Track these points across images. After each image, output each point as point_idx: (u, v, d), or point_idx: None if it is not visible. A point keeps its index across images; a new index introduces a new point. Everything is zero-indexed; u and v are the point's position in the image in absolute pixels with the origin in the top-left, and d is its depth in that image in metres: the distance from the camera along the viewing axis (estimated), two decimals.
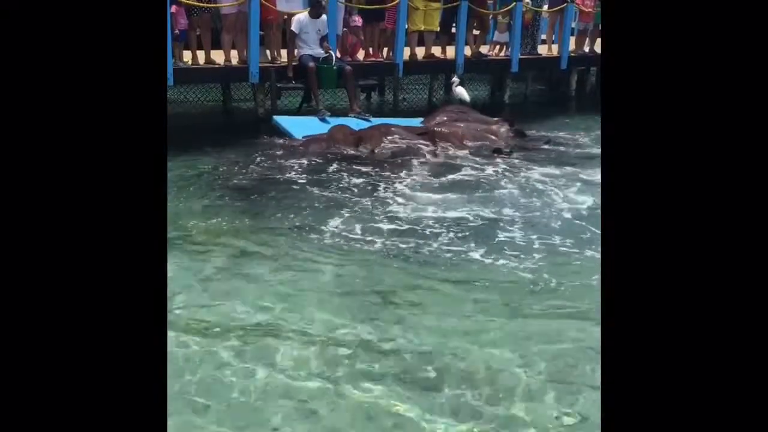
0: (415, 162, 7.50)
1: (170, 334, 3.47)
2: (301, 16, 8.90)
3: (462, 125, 8.71)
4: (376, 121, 8.85)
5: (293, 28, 8.86)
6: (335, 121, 8.68)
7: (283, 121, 8.76)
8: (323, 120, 8.71)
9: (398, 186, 6.60)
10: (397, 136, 8.06)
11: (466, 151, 7.96)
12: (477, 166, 7.50)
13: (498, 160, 7.65)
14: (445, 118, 9.04)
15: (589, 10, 12.26)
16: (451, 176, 7.06)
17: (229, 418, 2.95)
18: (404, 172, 7.11)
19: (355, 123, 8.61)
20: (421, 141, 8.06)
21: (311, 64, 8.90)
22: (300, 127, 8.50)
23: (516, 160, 7.70)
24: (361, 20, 9.60)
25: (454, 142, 8.22)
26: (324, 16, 8.99)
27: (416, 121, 9.12)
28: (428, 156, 7.71)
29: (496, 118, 9.19)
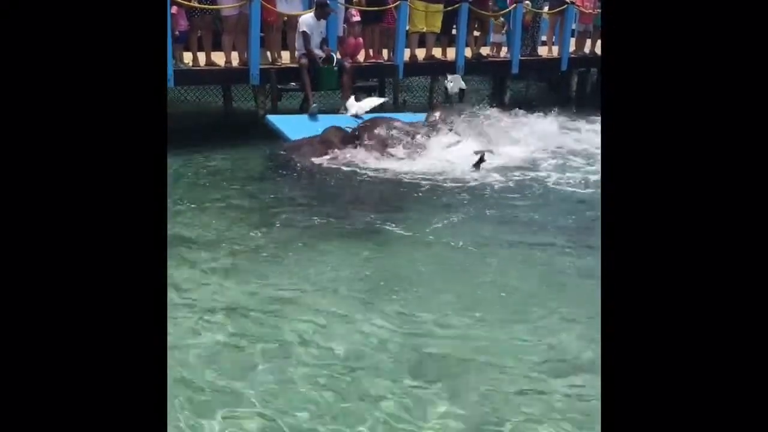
0: (402, 156, 7.55)
1: (170, 333, 3.48)
2: (308, 18, 8.88)
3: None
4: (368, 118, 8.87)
5: (305, 28, 8.82)
6: (326, 117, 8.68)
7: (275, 120, 8.73)
8: (313, 117, 8.68)
9: (390, 188, 6.64)
10: (385, 129, 8.04)
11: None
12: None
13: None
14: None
15: (589, 11, 12.26)
16: (442, 172, 7.08)
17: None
18: (393, 170, 7.16)
19: (346, 120, 8.62)
20: (418, 131, 8.09)
21: (303, 60, 8.89)
22: (292, 125, 8.46)
23: (511, 157, 7.71)
24: (358, 14, 9.59)
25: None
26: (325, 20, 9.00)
27: (418, 117, 9.13)
28: (417, 151, 7.72)
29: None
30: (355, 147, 7.68)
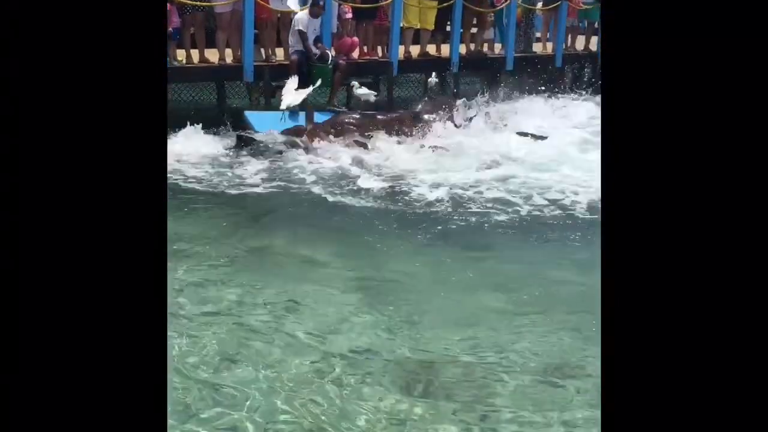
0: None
1: (170, 332, 3.47)
2: (302, 15, 8.82)
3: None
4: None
5: (300, 26, 8.75)
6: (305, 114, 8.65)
7: (251, 116, 8.64)
8: (293, 114, 8.60)
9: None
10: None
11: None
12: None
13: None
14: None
15: (577, 7, 12.28)
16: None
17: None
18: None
19: (325, 116, 8.63)
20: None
21: (294, 57, 8.83)
22: (266, 122, 8.36)
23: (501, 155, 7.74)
24: (351, 11, 9.56)
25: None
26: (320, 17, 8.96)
27: None
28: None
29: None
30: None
